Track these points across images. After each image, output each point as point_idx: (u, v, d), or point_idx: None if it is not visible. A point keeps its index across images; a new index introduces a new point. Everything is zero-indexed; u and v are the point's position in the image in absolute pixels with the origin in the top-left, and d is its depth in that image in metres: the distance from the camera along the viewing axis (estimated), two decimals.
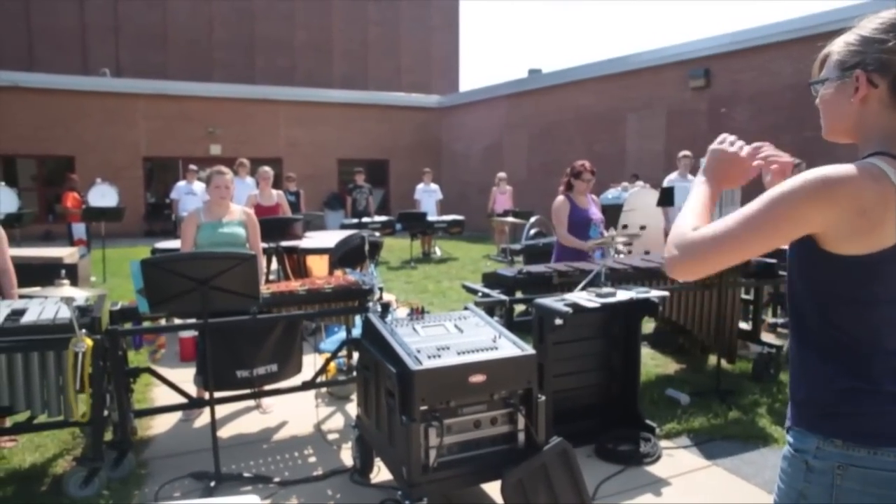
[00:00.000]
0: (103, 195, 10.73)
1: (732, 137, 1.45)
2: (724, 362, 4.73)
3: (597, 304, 3.44)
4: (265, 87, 20.00)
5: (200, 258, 3.22)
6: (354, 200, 12.51)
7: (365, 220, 11.61)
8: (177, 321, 3.96)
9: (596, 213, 4.89)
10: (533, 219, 9.61)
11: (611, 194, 9.15)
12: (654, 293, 3.66)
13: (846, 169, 1.17)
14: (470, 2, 54.82)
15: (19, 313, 3.28)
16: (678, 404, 4.31)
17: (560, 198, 4.86)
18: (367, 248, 3.72)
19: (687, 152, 8.03)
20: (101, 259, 9.46)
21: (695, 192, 1.42)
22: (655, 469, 3.44)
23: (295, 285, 3.94)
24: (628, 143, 14.27)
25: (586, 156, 14.95)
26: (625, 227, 7.66)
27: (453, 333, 2.99)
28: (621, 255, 5.28)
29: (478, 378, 2.69)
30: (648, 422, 3.79)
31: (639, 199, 8.43)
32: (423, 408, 2.64)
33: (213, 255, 3.31)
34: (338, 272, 4.35)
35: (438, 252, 12.76)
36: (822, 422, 1.25)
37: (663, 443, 3.74)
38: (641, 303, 3.63)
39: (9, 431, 3.66)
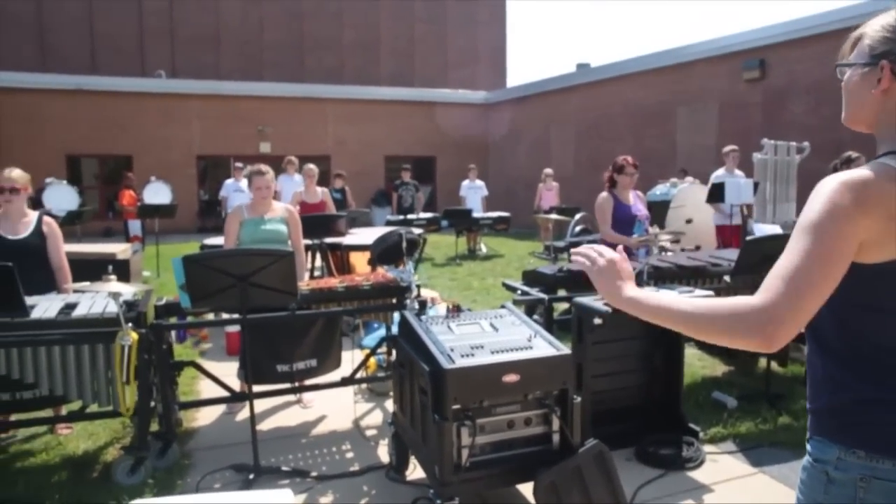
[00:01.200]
0: (157, 193, 11.11)
1: (593, 254, 1.38)
2: (774, 365, 4.56)
3: None
4: (313, 85, 20.31)
5: (240, 255, 3.28)
6: (401, 197, 12.58)
7: (410, 216, 11.66)
8: (224, 316, 4.05)
9: (640, 210, 4.78)
10: (578, 215, 9.47)
11: (659, 190, 8.93)
12: (699, 292, 3.55)
13: (865, 174, 1.11)
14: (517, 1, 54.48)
15: (72, 307, 3.42)
16: (724, 408, 4.18)
17: (603, 194, 4.77)
18: (404, 245, 3.72)
19: (733, 146, 7.77)
20: (155, 254, 9.78)
21: (653, 301, 1.26)
22: (698, 475, 3.34)
23: (334, 282, 3.98)
24: (678, 138, 13.92)
25: (635, 151, 14.70)
26: (689, 221, 7.48)
27: (488, 332, 2.96)
28: (670, 254, 5.16)
29: (511, 378, 2.66)
30: (692, 425, 3.69)
31: (688, 195, 8.21)
32: (456, 406, 2.62)
33: (252, 251, 3.37)
34: (378, 269, 4.38)
35: (484, 249, 12.72)
36: (843, 432, 1.19)
37: (707, 447, 3.63)
38: None
39: (63, 419, 3.82)
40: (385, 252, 3.83)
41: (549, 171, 12.83)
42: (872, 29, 1.21)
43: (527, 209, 14.63)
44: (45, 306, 3.38)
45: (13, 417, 3.77)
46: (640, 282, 3.68)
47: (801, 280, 1.08)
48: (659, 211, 7.10)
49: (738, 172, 7.76)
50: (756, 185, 7.47)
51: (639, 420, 3.70)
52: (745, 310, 1.11)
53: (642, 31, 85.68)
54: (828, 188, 1.12)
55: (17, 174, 3.82)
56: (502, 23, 27.87)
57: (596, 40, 79.77)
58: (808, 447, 1.28)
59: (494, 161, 20.48)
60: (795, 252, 1.11)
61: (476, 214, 12.40)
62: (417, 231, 7.51)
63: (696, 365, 5.07)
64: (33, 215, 3.95)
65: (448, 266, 10.96)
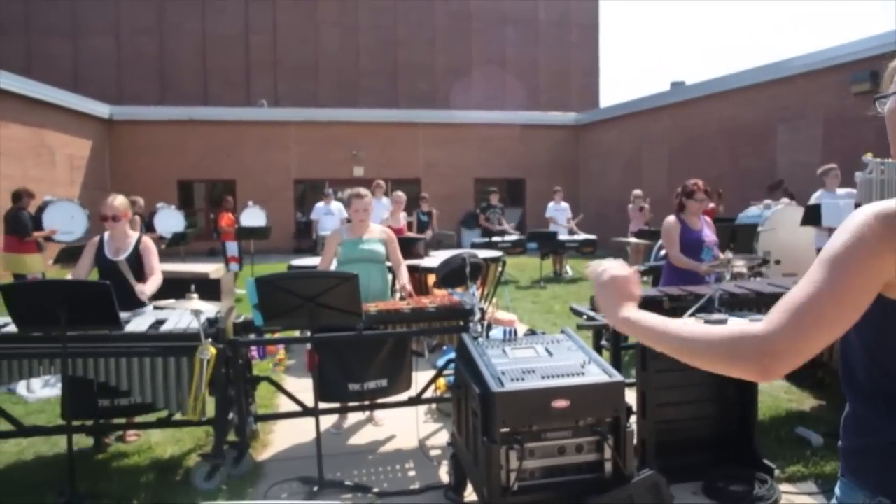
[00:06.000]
0: (254, 216, 11.79)
1: (598, 269, 1.37)
2: None
3: None
4: (405, 110, 20.92)
5: (308, 277, 3.48)
6: (488, 219, 12.69)
7: (495, 239, 11.72)
8: (296, 334, 4.26)
9: (709, 236, 4.61)
10: (662, 240, 9.17)
11: (750, 212, 8.51)
12: None
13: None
14: (611, 18, 53.75)
15: (161, 322, 3.73)
16: (808, 445, 3.92)
17: (671, 218, 4.65)
18: (468, 269, 3.79)
19: (832, 165, 7.30)
20: (251, 274, 10.37)
21: (648, 323, 1.23)
22: None
23: (401, 304, 4.10)
24: (779, 157, 13.21)
25: (731, 171, 14.11)
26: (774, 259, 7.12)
27: (542, 356, 2.96)
28: (759, 279, 4.93)
29: (560, 403, 2.65)
30: (766, 461, 3.49)
31: (782, 218, 7.77)
32: (505, 430, 2.64)
33: (318, 273, 3.56)
34: (443, 291, 4.48)
35: (570, 272, 12.56)
36: (868, 475, 1.12)
37: (783, 486, 3.42)
38: None
39: (151, 426, 4.12)
40: (449, 275, 3.91)
41: (638, 192, 12.53)
42: None
43: (618, 231, 14.32)
44: (138, 321, 3.71)
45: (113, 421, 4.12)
46: (710, 308, 3.56)
47: (807, 314, 1.03)
48: (744, 234, 6.76)
49: (840, 192, 7.28)
50: (857, 207, 6.98)
51: (708, 453, 3.55)
52: (743, 337, 1.07)
53: (739, 48, 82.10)
54: (858, 219, 1.06)
55: (119, 202, 4.23)
56: (594, 44, 27.64)
57: (691, 58, 77.21)
58: (836, 488, 1.22)
59: (585, 183, 20.21)
60: (809, 283, 1.05)
61: (561, 237, 12.29)
62: (499, 254, 7.56)
63: (782, 397, 4.79)
64: (134, 237, 4.34)
65: (532, 289, 10.91)
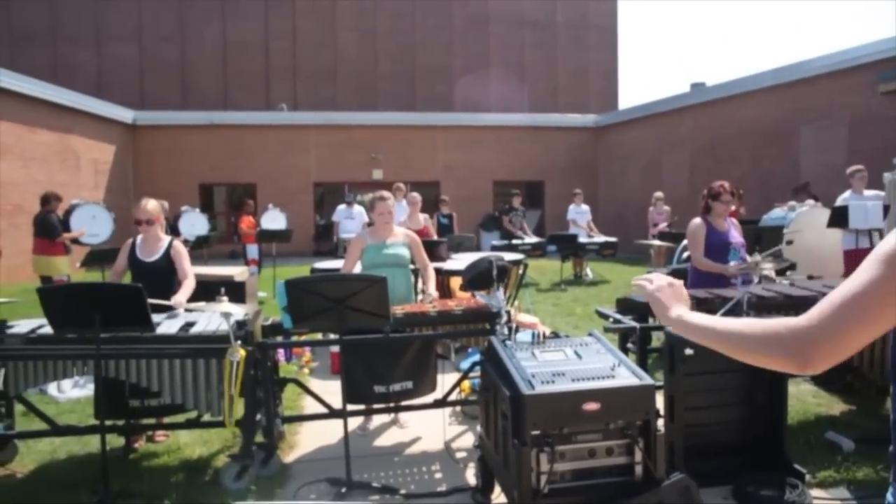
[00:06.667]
0: (274, 220, 11.89)
1: (646, 280, 1.51)
2: None
3: None
4: (423, 113, 20.99)
5: (337, 280, 3.50)
6: (511, 222, 12.67)
7: (515, 241, 11.70)
8: (322, 336, 4.30)
9: (736, 237, 4.56)
10: (685, 242, 9.11)
11: (775, 214, 8.41)
12: None
13: None
14: (630, 19, 53.51)
15: (191, 324, 3.78)
16: (839, 450, 3.87)
17: (696, 220, 4.61)
18: (494, 272, 3.79)
19: (859, 166, 7.19)
20: (272, 276, 10.45)
21: (697, 320, 1.30)
22: None
23: (427, 306, 4.11)
24: (802, 158, 13.06)
25: (753, 173, 13.98)
26: (789, 242, 7.04)
27: (571, 359, 2.96)
28: (786, 281, 4.87)
29: (591, 406, 2.64)
30: (797, 466, 3.45)
31: (807, 220, 7.68)
32: (535, 432, 2.64)
33: (348, 276, 3.58)
34: (465, 294, 4.48)
35: (590, 274, 12.50)
36: None
37: (815, 492, 3.38)
38: None
39: (180, 426, 4.17)
40: (475, 278, 3.92)
41: (659, 194, 12.46)
42: None
43: (638, 234, 14.25)
44: (168, 323, 3.76)
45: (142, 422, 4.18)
46: (738, 312, 3.53)
47: (852, 311, 1.02)
48: (770, 236, 6.68)
49: (868, 193, 7.18)
50: (887, 209, 6.88)
51: (737, 457, 3.52)
52: (784, 329, 1.08)
53: (760, 48, 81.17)
54: None
55: (151, 206, 4.30)
56: (613, 46, 27.55)
57: (711, 59, 76.48)
58: (889, 494, 1.21)
59: (605, 185, 20.13)
60: (858, 280, 1.04)
61: (582, 239, 12.24)
62: (520, 256, 7.55)
63: (810, 402, 4.74)
64: (165, 240, 4.41)
65: (552, 291, 10.88)
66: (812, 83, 12.78)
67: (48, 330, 3.52)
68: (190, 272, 4.35)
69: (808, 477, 3.44)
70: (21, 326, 3.69)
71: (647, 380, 2.75)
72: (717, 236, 4.52)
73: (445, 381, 4.39)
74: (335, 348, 5.64)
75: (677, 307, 1.38)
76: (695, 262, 4.60)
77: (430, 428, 4.40)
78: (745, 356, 1.16)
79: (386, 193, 4.60)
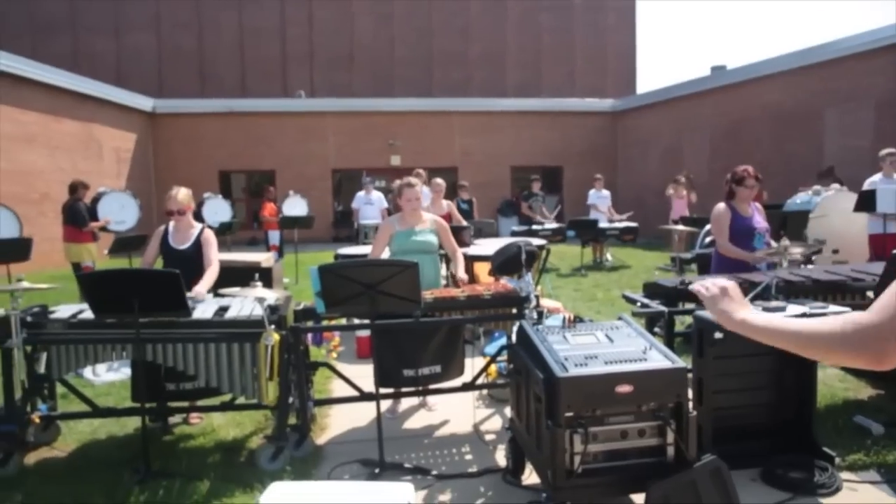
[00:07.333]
0: (294, 206, 11.99)
1: (701, 287, 1.53)
2: None
3: None
4: (441, 99, 20.94)
5: (369, 265, 3.56)
6: (531, 207, 12.68)
7: (535, 227, 11.71)
8: (355, 321, 4.37)
9: (760, 223, 4.53)
10: (708, 227, 9.06)
11: (799, 199, 8.34)
12: (833, 308, 3.35)
13: None
14: (648, 1, 52.77)
15: (225, 309, 3.85)
16: (868, 434, 3.87)
17: (721, 205, 4.58)
18: (523, 257, 3.83)
19: (891, 150, 7.09)
20: (294, 262, 10.57)
21: (763, 321, 1.34)
22: (831, 502, 3.15)
23: (456, 291, 4.16)
24: (827, 141, 12.89)
25: (775, 157, 13.82)
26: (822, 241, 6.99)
27: (603, 343, 2.99)
28: (811, 266, 4.86)
29: (624, 388, 2.68)
30: (826, 450, 3.47)
31: (832, 204, 7.61)
32: (569, 414, 2.69)
33: (380, 262, 3.64)
34: (490, 279, 4.52)
35: (610, 259, 12.49)
36: None
37: (844, 475, 3.40)
38: None
39: (215, 409, 4.26)
40: (504, 263, 3.95)
41: (681, 178, 12.36)
42: None
43: (658, 219, 14.17)
44: (203, 308, 3.84)
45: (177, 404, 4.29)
46: (767, 296, 3.54)
47: None
48: (795, 221, 6.63)
49: None
50: None
51: (765, 440, 3.54)
52: (855, 326, 1.11)
53: (783, 30, 79.61)
54: None
55: (182, 196, 4.38)
56: (632, 28, 27.24)
57: (732, 41, 75.19)
58: None
59: (623, 170, 20.00)
60: None
61: (602, 225, 12.22)
62: (541, 241, 7.58)
63: (837, 386, 4.73)
64: (197, 228, 4.49)
65: (573, 277, 10.89)
66: (837, 65, 12.58)
67: (89, 315, 3.61)
68: (215, 260, 4.43)
69: (837, 460, 3.45)
70: (62, 312, 3.79)
71: (679, 363, 2.79)
72: (742, 221, 4.50)
73: (472, 365, 4.44)
74: (361, 333, 5.73)
75: (739, 310, 1.40)
76: (720, 248, 4.58)
77: (459, 411, 4.46)
78: (819, 355, 1.19)
79: (413, 180, 4.64)
